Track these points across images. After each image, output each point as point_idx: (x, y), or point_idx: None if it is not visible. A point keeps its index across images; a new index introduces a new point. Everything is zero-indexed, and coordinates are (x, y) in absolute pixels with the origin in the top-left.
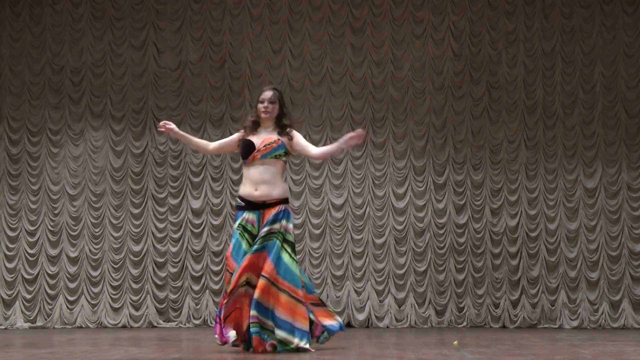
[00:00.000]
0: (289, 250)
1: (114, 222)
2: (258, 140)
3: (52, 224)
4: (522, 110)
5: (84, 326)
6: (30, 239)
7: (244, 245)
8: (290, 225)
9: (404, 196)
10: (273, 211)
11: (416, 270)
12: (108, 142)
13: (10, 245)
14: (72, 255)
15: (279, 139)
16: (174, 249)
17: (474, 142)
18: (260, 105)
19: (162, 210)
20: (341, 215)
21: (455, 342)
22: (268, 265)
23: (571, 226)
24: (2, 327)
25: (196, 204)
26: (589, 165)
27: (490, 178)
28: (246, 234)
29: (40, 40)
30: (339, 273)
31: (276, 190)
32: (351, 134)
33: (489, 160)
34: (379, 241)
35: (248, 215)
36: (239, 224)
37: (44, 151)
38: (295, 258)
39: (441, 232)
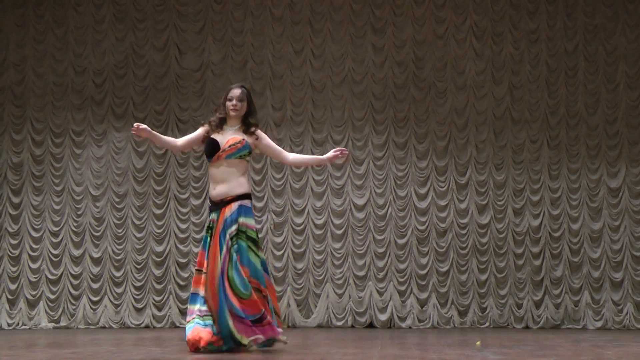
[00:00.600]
0: (253, 248)
1: (137, 222)
2: (223, 139)
3: (75, 224)
4: (544, 109)
5: (107, 326)
6: (54, 240)
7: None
8: (251, 221)
9: (426, 196)
10: (230, 209)
11: (438, 271)
12: (130, 143)
13: (34, 246)
14: (96, 255)
15: (243, 139)
16: (196, 250)
17: (496, 142)
18: (228, 103)
19: (184, 210)
20: (363, 215)
21: (478, 343)
22: (245, 271)
23: (595, 226)
24: (27, 327)
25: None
26: (613, 164)
27: (513, 178)
28: (212, 234)
29: (63, 42)
30: (361, 273)
31: (235, 189)
32: (336, 152)
33: (511, 160)
34: (401, 241)
35: (213, 215)
36: (207, 225)
37: (67, 152)
38: (259, 254)
39: (463, 232)
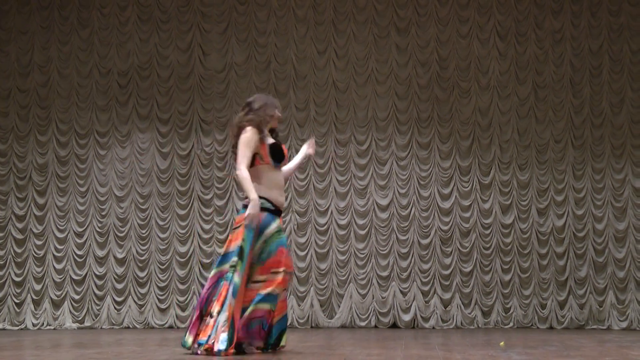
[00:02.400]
0: None
1: (161, 223)
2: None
3: (99, 225)
4: (568, 109)
5: (131, 326)
6: (78, 241)
7: None
8: None
9: (449, 196)
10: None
11: (462, 271)
12: (154, 144)
13: (59, 247)
14: (120, 256)
15: None
16: (220, 250)
17: (520, 142)
18: (277, 112)
19: (208, 211)
20: (386, 215)
21: (502, 343)
22: None
23: (619, 226)
24: (51, 327)
25: (242, 205)
26: (638, 164)
27: (537, 178)
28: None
29: (88, 44)
30: (385, 274)
31: None
32: (305, 146)
33: (535, 160)
34: (424, 242)
35: (278, 222)
36: (275, 228)
37: (92, 153)
38: None
39: (487, 232)
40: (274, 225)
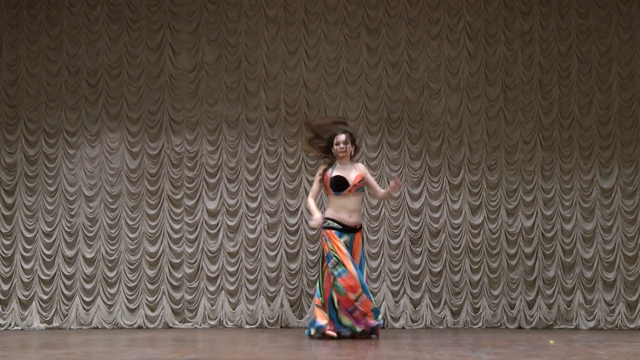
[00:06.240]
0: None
1: (130, 223)
2: (348, 175)
3: (68, 225)
4: (537, 110)
5: (99, 327)
6: (47, 240)
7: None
8: None
9: (419, 197)
10: (360, 235)
11: (431, 271)
12: (124, 143)
13: (28, 247)
14: (89, 256)
15: (363, 177)
16: (189, 250)
17: (489, 143)
18: (336, 147)
19: (177, 211)
20: None
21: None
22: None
23: (587, 227)
24: (19, 327)
25: (212, 205)
26: (606, 165)
27: (506, 179)
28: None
29: (57, 42)
30: None
31: (361, 218)
32: (392, 184)
33: (504, 161)
34: (394, 242)
35: (346, 237)
36: (343, 242)
37: (61, 152)
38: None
39: (456, 232)
40: (340, 240)
